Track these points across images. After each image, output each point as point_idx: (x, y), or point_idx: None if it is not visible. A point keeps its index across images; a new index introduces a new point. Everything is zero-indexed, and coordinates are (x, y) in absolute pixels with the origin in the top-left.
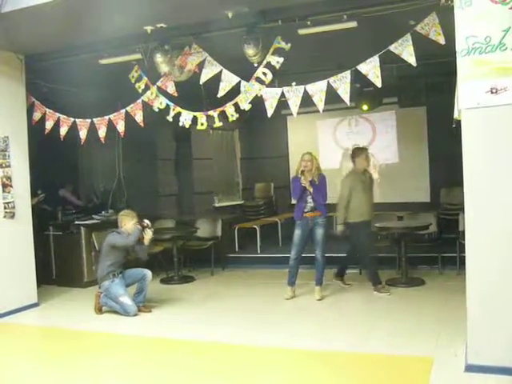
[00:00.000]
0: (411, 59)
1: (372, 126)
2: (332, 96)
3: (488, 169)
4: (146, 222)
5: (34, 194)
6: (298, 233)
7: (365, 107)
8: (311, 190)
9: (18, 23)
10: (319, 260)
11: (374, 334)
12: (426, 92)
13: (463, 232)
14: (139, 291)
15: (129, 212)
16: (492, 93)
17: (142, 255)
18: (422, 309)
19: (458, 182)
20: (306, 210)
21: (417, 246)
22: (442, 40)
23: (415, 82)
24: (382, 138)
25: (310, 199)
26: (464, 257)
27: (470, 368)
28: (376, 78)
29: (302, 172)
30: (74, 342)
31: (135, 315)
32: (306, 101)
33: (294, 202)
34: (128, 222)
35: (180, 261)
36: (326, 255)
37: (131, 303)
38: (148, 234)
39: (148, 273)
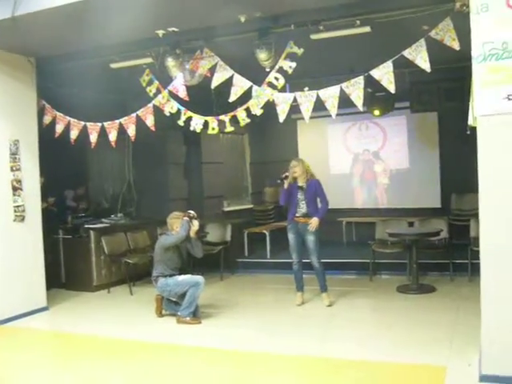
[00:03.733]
0: (425, 65)
1: (383, 131)
2: (343, 100)
3: (504, 176)
4: (192, 212)
5: (43, 199)
6: (291, 237)
7: (376, 112)
8: (304, 186)
9: (30, 26)
10: (317, 267)
11: (386, 342)
12: (438, 97)
13: (475, 238)
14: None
15: (178, 214)
16: (509, 99)
17: (197, 252)
18: (433, 316)
19: (469, 188)
20: (297, 215)
21: (427, 252)
22: (456, 46)
23: (427, 87)
24: (393, 143)
25: (302, 204)
26: (475, 263)
27: (484, 378)
28: (389, 84)
29: (286, 177)
30: (83, 346)
31: (204, 282)
32: (317, 105)
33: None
34: (178, 225)
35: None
36: (332, 261)
37: (192, 275)
38: (195, 225)
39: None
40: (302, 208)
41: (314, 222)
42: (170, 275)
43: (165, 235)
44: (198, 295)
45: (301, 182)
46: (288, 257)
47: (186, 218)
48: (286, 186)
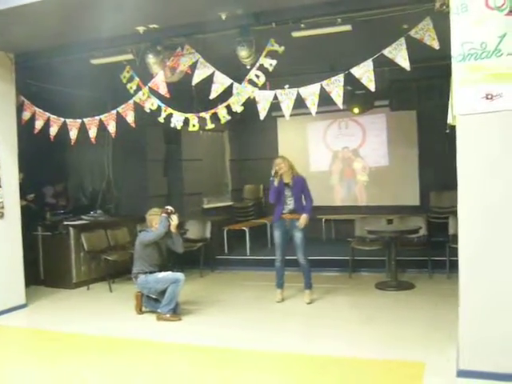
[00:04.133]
0: (405, 63)
1: (362, 129)
2: (323, 98)
3: (483, 175)
4: (170, 208)
5: (22, 196)
6: (277, 234)
7: (356, 110)
8: (291, 183)
9: (9, 21)
10: (303, 264)
11: (365, 338)
12: (418, 96)
13: (453, 236)
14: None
15: (156, 210)
16: (487, 99)
17: (177, 248)
18: (412, 313)
19: (447, 186)
20: (284, 212)
21: (406, 250)
22: (436, 45)
23: (407, 86)
24: (372, 141)
25: (289, 201)
26: (454, 260)
27: (462, 373)
28: (369, 82)
29: (276, 174)
30: (62, 344)
31: (184, 279)
32: (297, 103)
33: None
34: (158, 221)
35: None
36: (311, 258)
37: (173, 272)
38: (174, 220)
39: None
40: (289, 205)
41: (303, 219)
42: (150, 272)
43: (144, 232)
44: (178, 292)
45: (287, 179)
46: (267, 254)
47: (164, 215)
48: (276, 183)
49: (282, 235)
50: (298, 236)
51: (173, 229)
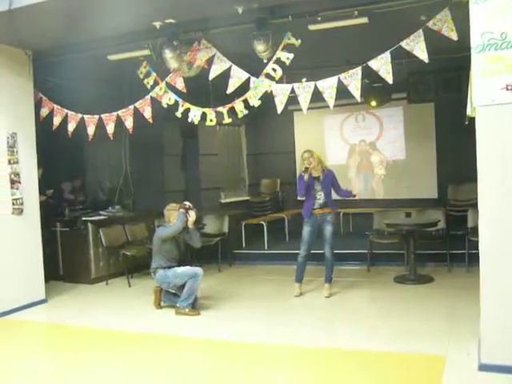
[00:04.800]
0: (423, 55)
1: (379, 122)
2: (340, 91)
3: (503, 166)
4: (188, 204)
5: (41, 192)
6: (306, 230)
7: (373, 103)
8: (320, 176)
9: (27, 19)
10: (329, 258)
11: (384, 332)
12: (436, 88)
13: (472, 229)
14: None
15: (174, 206)
16: (507, 90)
17: (195, 243)
18: (431, 306)
19: (466, 178)
20: (314, 207)
21: (425, 243)
22: (454, 36)
23: (424, 78)
24: (390, 134)
25: (319, 195)
26: (473, 254)
27: (483, 367)
28: (387, 75)
29: (306, 169)
30: (82, 338)
31: (202, 273)
32: (313, 96)
33: (300, 198)
34: (175, 216)
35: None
36: (334, 252)
37: (191, 267)
38: (192, 216)
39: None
40: (319, 199)
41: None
42: (169, 267)
43: (162, 227)
44: (197, 287)
45: (316, 173)
46: (285, 248)
47: (182, 210)
48: (306, 177)
49: (311, 231)
50: (329, 229)
51: (190, 225)
